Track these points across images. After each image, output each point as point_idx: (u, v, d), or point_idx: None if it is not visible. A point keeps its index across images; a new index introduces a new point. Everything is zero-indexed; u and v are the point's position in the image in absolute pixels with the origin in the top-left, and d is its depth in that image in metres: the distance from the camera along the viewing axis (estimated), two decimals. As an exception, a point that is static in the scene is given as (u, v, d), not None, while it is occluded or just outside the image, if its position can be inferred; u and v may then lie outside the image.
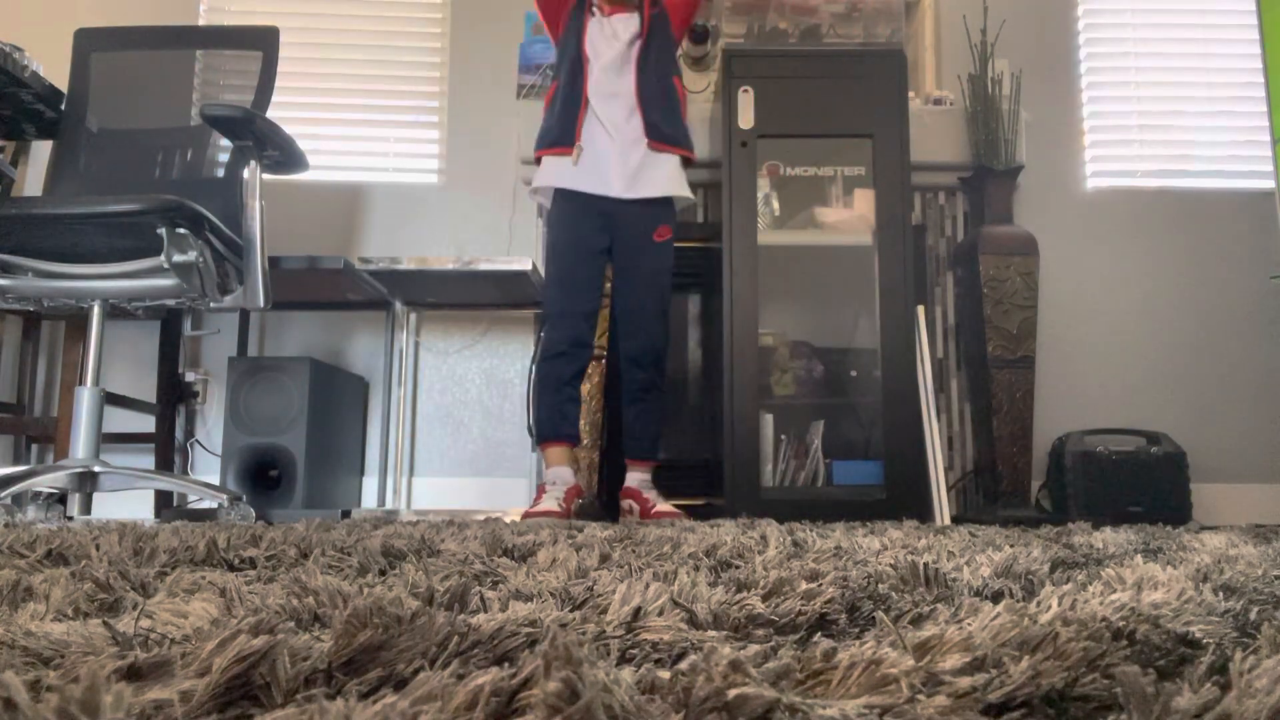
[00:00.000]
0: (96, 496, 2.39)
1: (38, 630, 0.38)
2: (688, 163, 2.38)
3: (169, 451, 2.96)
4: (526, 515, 2.07)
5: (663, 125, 2.28)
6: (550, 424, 2.22)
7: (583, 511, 2.64)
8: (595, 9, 2.39)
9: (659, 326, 2.30)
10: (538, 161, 2.37)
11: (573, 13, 2.39)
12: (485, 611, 0.46)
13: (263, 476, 2.63)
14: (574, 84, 2.28)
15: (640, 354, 2.26)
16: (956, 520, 2.65)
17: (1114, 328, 3.24)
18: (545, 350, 2.22)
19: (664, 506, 2.24)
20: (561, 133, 2.27)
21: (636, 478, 2.31)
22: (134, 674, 0.30)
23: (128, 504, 2.87)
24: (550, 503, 2.11)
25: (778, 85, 2.66)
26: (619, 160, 2.25)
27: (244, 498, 2.08)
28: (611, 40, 2.34)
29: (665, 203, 2.32)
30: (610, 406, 2.72)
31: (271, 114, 2.16)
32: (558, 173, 2.28)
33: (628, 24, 2.37)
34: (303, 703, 0.27)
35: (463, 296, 3.02)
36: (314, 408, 2.64)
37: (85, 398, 1.96)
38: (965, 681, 0.29)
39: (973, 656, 0.31)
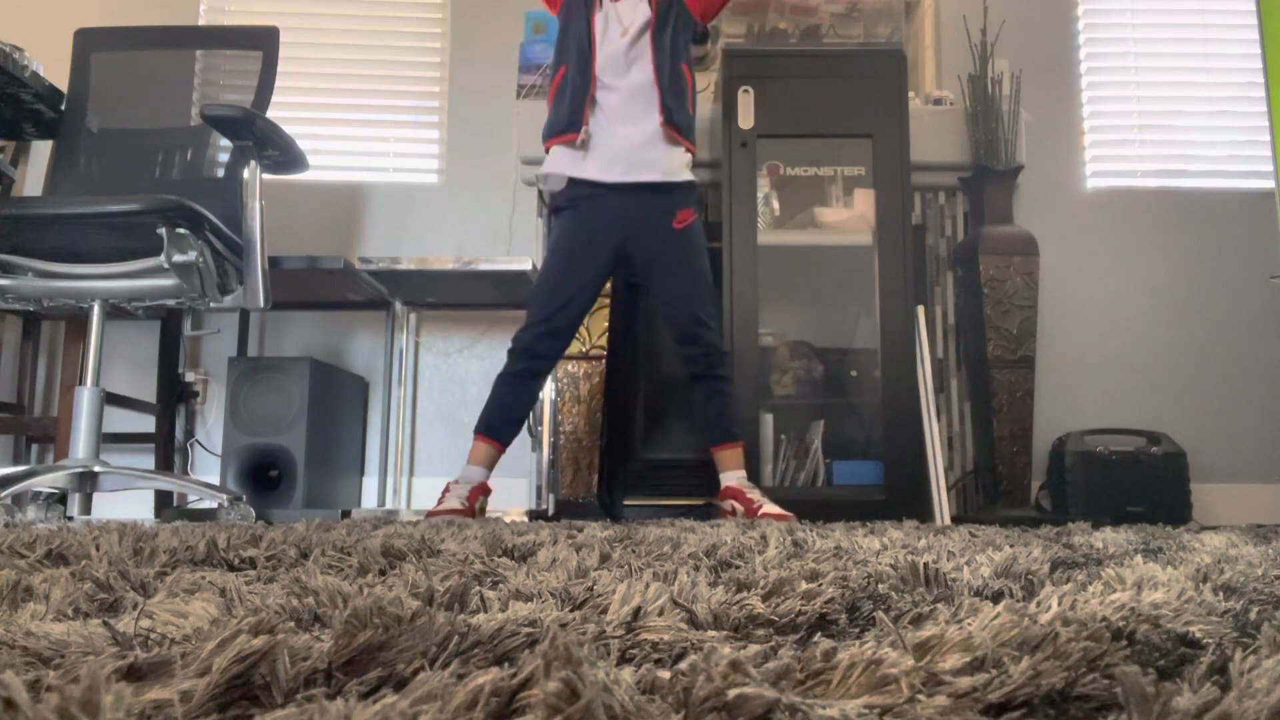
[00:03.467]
0: (96, 496, 2.39)
1: (38, 630, 0.38)
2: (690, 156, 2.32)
3: (169, 451, 2.96)
4: (430, 515, 2.02)
5: (675, 113, 2.23)
6: (487, 418, 2.15)
7: (583, 510, 2.64)
8: None
9: (701, 317, 2.17)
10: (547, 151, 2.30)
11: (578, 1, 2.31)
12: (485, 611, 0.46)
13: (263, 476, 2.63)
14: (583, 71, 2.23)
15: (693, 353, 2.17)
16: (956, 520, 2.65)
17: (1114, 327, 3.24)
18: (513, 344, 2.16)
19: (772, 509, 2.08)
20: (570, 120, 2.22)
21: (734, 476, 2.19)
22: (134, 674, 0.30)
23: (128, 504, 2.87)
24: (453, 501, 2.06)
25: (778, 85, 2.66)
26: (623, 146, 2.20)
27: (244, 498, 2.08)
28: (615, 28, 2.26)
29: (683, 188, 2.24)
30: (610, 406, 2.72)
31: (271, 114, 2.16)
32: (567, 160, 2.23)
33: (635, 10, 2.28)
34: (303, 703, 0.27)
35: (463, 296, 3.03)
36: (314, 408, 2.64)
37: (85, 398, 1.96)
38: (965, 681, 0.29)
39: (973, 656, 0.31)
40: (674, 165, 2.23)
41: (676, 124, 2.23)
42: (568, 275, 2.19)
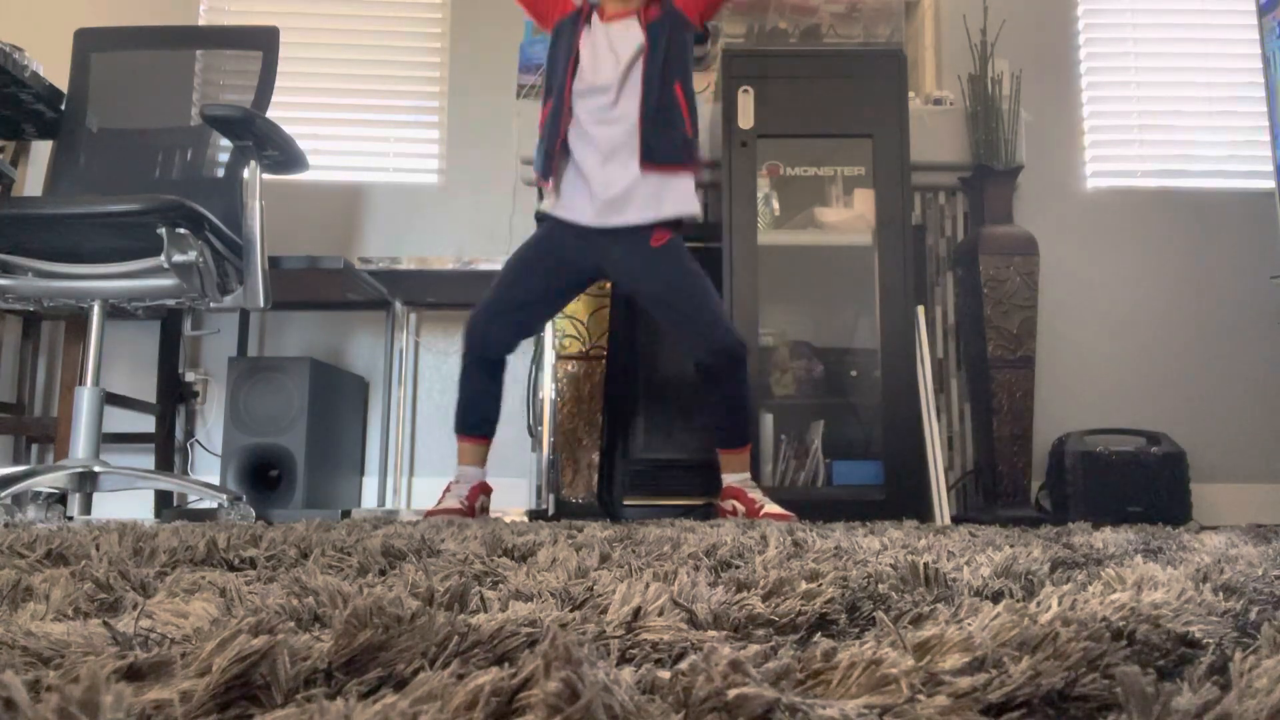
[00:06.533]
0: (96, 496, 2.39)
1: (38, 630, 0.38)
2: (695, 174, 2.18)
3: (169, 451, 2.96)
4: (429, 514, 2.00)
5: (658, 150, 2.09)
6: (462, 418, 2.13)
7: (583, 510, 2.64)
8: (595, 15, 2.17)
9: (709, 325, 2.06)
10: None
11: (569, 20, 2.20)
12: (485, 611, 0.46)
13: (263, 476, 2.63)
14: (557, 110, 2.13)
15: (706, 361, 2.07)
16: (956, 520, 2.65)
17: (1114, 327, 3.24)
18: (466, 328, 2.12)
19: (773, 508, 2.05)
20: (544, 164, 2.14)
21: (736, 477, 2.15)
22: (134, 674, 0.30)
23: (128, 504, 2.87)
24: (452, 501, 2.05)
25: (778, 85, 2.66)
26: (606, 191, 2.09)
27: (244, 498, 2.08)
28: (608, 57, 2.13)
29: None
30: (610, 406, 2.72)
31: (271, 114, 2.16)
32: (549, 201, 2.19)
33: (627, 34, 2.14)
34: (303, 703, 0.27)
35: (463, 296, 3.02)
36: (314, 408, 2.64)
37: (85, 398, 1.96)
38: (965, 681, 0.29)
39: (973, 656, 0.31)
40: (672, 198, 2.10)
41: (662, 161, 2.09)
42: (533, 285, 2.14)
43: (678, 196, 2.12)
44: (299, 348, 3.12)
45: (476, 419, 2.13)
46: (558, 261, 2.16)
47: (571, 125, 2.15)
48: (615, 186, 2.10)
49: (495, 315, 2.11)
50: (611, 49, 2.15)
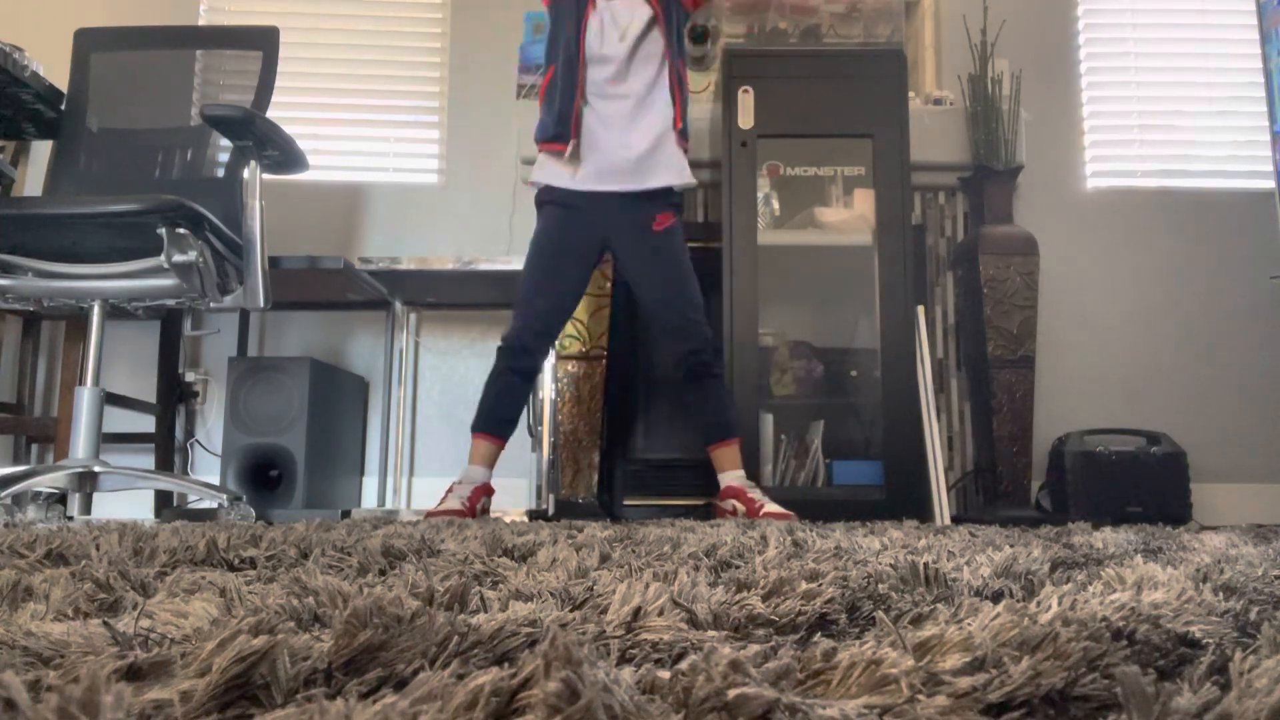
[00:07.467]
0: (96, 496, 2.39)
1: (38, 630, 0.38)
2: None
3: (169, 451, 2.96)
4: (430, 515, 2.01)
5: (684, 117, 2.22)
6: (483, 415, 2.15)
7: (583, 510, 2.64)
8: None
9: (691, 315, 2.16)
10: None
11: None
12: (485, 611, 0.46)
13: (263, 476, 2.63)
14: (569, 78, 2.18)
15: (687, 349, 2.15)
16: (956, 520, 2.65)
17: (1114, 327, 3.24)
18: (504, 342, 2.16)
19: (774, 508, 2.07)
20: (558, 130, 2.19)
21: (734, 475, 2.17)
22: (134, 674, 0.30)
23: (128, 504, 2.87)
24: (454, 502, 2.06)
25: (778, 85, 2.66)
26: (617, 156, 2.17)
27: (244, 498, 2.08)
28: (612, 31, 2.20)
29: (663, 192, 2.22)
30: (610, 406, 2.72)
31: (271, 114, 2.16)
32: (554, 170, 2.22)
33: (633, 10, 2.21)
34: (303, 703, 0.27)
35: (463, 296, 3.03)
36: (314, 408, 2.64)
37: (85, 398, 1.96)
38: (965, 681, 0.29)
39: (973, 656, 0.31)
40: (665, 169, 2.21)
41: (686, 130, 2.23)
42: (554, 276, 2.18)
43: (677, 166, 2.22)
44: (299, 348, 3.12)
45: (500, 419, 2.16)
46: (570, 249, 2.20)
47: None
48: (634, 151, 2.18)
49: (537, 333, 2.14)
50: (615, 23, 2.21)
